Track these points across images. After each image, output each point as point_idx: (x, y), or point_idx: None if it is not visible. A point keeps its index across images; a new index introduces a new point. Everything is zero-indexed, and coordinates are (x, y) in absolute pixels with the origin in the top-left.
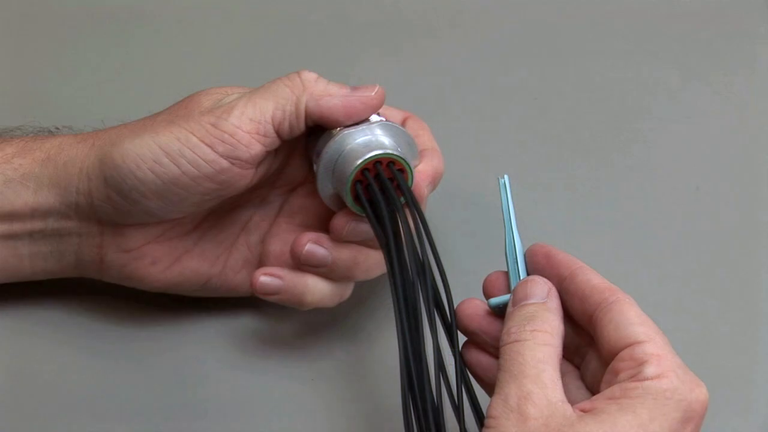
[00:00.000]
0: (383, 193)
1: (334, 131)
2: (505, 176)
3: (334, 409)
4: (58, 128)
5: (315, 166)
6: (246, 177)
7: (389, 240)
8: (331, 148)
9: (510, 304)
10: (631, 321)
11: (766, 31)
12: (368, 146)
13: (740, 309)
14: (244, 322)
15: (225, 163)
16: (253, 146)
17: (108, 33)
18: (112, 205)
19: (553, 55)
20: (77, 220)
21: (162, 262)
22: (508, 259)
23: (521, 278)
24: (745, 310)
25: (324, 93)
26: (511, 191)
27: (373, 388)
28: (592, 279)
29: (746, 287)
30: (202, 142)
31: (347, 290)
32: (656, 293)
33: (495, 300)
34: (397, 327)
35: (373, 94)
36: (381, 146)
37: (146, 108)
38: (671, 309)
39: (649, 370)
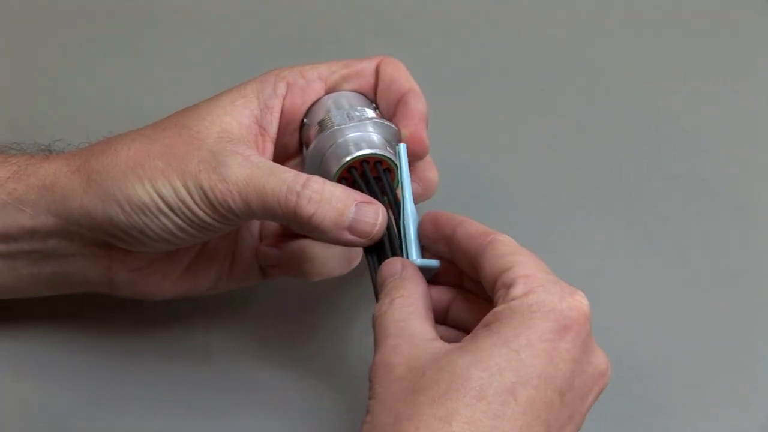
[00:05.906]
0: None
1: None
2: (401, 145)
3: (335, 407)
4: (53, 144)
5: (304, 151)
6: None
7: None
8: (320, 142)
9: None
10: (501, 253)
11: (766, 31)
12: (357, 145)
13: (741, 308)
14: (244, 323)
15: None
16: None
17: (108, 33)
18: (118, 239)
19: (555, 54)
20: (80, 244)
21: (172, 274)
22: (402, 227)
23: (413, 246)
24: (745, 309)
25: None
26: (406, 160)
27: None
28: (470, 229)
29: (750, 283)
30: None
31: (354, 256)
32: (660, 288)
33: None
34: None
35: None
36: (370, 144)
37: (143, 113)
38: (673, 306)
39: (516, 290)
